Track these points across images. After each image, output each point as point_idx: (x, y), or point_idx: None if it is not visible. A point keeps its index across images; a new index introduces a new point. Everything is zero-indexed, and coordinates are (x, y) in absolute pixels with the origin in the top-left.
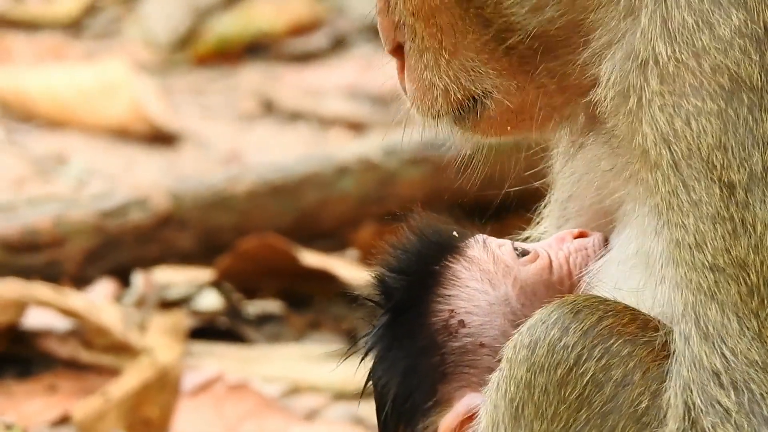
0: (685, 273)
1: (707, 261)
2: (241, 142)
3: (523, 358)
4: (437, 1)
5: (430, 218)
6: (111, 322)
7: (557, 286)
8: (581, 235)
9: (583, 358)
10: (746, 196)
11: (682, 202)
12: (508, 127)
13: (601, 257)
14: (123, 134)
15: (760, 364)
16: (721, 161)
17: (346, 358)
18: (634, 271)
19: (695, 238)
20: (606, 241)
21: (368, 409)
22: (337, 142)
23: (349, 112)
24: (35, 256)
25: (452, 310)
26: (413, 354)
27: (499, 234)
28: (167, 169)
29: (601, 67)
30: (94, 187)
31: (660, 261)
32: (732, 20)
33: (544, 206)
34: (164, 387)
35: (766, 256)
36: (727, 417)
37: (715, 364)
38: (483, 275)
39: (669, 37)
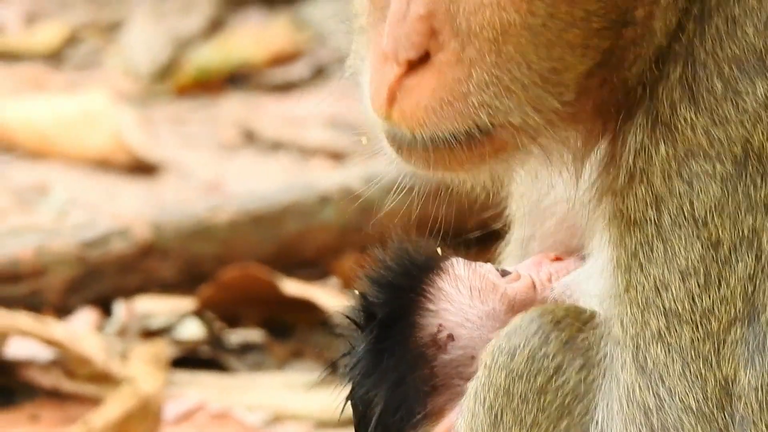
0: (631, 311)
1: (663, 306)
2: (222, 171)
3: (502, 364)
4: (540, 21)
5: (413, 238)
6: (93, 352)
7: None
8: (557, 260)
9: (563, 368)
10: (729, 254)
11: (652, 255)
12: (483, 160)
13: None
14: (104, 164)
15: (694, 410)
16: (715, 221)
17: (329, 373)
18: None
19: (656, 285)
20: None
21: None
22: (319, 171)
23: (330, 141)
24: (17, 287)
25: (441, 324)
26: (402, 367)
27: (483, 259)
28: (148, 199)
29: (630, 118)
30: (76, 217)
31: (611, 296)
32: (757, 90)
33: (504, 245)
34: (146, 416)
35: (732, 308)
36: None
37: (647, 402)
38: (471, 291)
39: (694, 102)
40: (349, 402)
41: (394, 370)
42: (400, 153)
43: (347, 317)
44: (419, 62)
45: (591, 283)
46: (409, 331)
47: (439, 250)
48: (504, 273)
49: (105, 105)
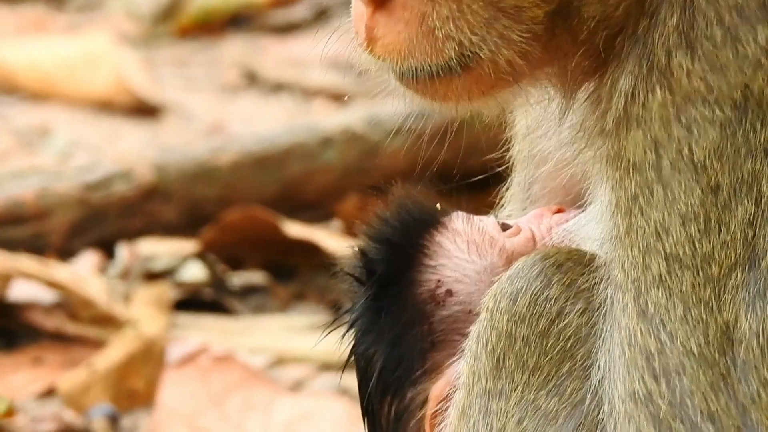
0: (632, 254)
1: (663, 250)
2: (224, 113)
3: (505, 308)
4: None
5: (412, 192)
6: (96, 294)
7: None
8: (559, 211)
9: (566, 311)
10: (729, 198)
11: (652, 199)
12: (476, 93)
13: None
14: (106, 106)
15: (696, 355)
16: (715, 166)
17: (330, 331)
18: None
19: (656, 229)
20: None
21: (353, 380)
22: (321, 113)
23: (332, 83)
24: (19, 229)
25: (439, 280)
26: (400, 324)
27: (482, 206)
28: (151, 141)
29: (619, 62)
30: (78, 159)
31: (611, 239)
32: (758, 37)
33: (506, 189)
34: (149, 359)
35: (732, 253)
36: (653, 412)
37: (649, 346)
38: (469, 246)
39: (691, 49)
40: (352, 358)
41: (392, 327)
42: (406, 85)
43: (348, 273)
44: None
45: (591, 226)
46: (407, 287)
47: (438, 205)
48: (505, 226)
49: (107, 47)
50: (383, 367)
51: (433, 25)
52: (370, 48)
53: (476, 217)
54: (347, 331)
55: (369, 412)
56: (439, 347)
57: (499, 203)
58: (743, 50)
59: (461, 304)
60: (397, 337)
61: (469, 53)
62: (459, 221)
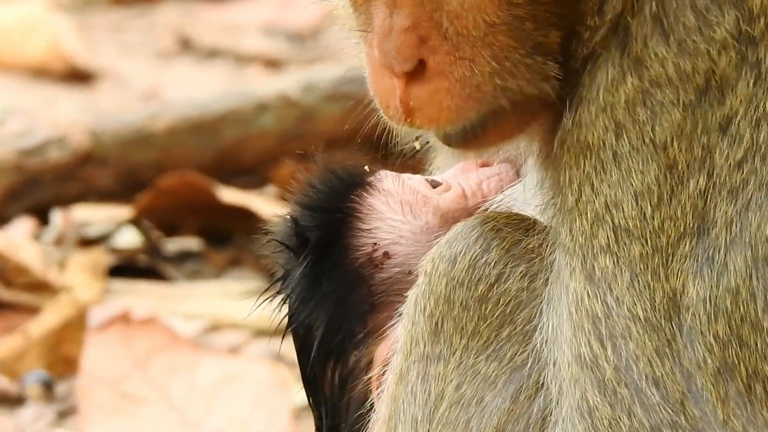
0: (580, 223)
1: (612, 222)
2: (159, 79)
3: (443, 272)
4: (502, 15)
5: (337, 156)
6: (30, 261)
7: (475, 213)
8: (485, 165)
9: (505, 275)
10: (683, 173)
11: (605, 177)
12: (516, 132)
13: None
14: (41, 73)
15: (642, 320)
16: (674, 146)
17: (265, 300)
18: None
19: (606, 203)
20: (516, 172)
21: (288, 346)
22: (256, 79)
23: (267, 48)
24: None
25: (375, 243)
26: (339, 289)
27: (413, 169)
28: (86, 107)
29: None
30: (13, 125)
31: (558, 210)
32: (726, 19)
33: (438, 151)
34: (84, 325)
35: (682, 224)
36: (598, 376)
37: (596, 310)
38: (402, 206)
39: (664, 36)
40: (290, 328)
41: (331, 293)
42: (454, 145)
43: (281, 243)
44: (417, 71)
45: (531, 193)
46: (343, 252)
47: (366, 167)
48: (434, 184)
49: (42, 13)
50: (325, 332)
51: (477, 82)
52: (409, 121)
53: (404, 176)
54: (284, 300)
55: (311, 381)
56: (380, 309)
57: (430, 166)
58: (712, 33)
59: (400, 266)
60: (336, 302)
61: (517, 97)
62: (388, 181)
